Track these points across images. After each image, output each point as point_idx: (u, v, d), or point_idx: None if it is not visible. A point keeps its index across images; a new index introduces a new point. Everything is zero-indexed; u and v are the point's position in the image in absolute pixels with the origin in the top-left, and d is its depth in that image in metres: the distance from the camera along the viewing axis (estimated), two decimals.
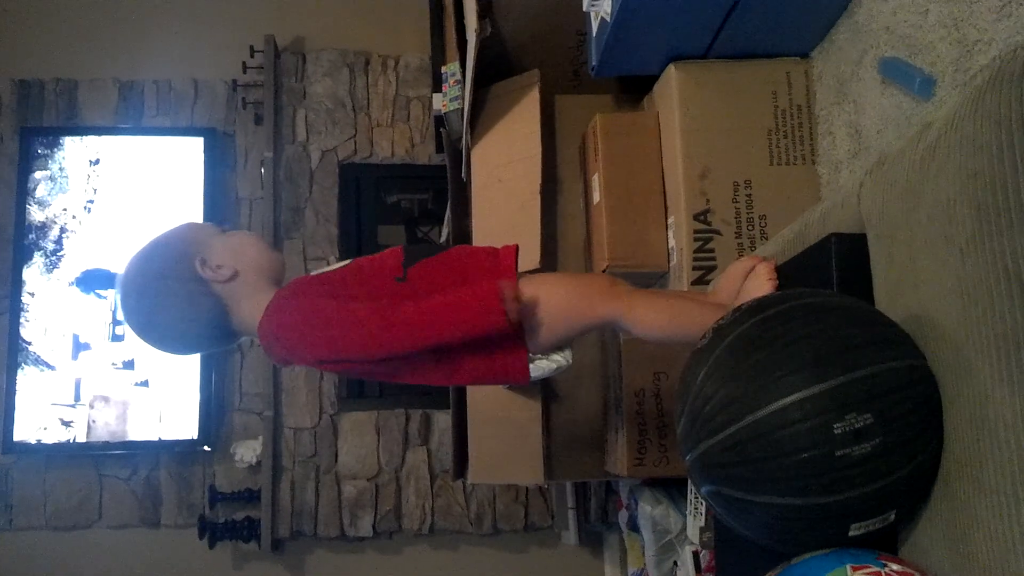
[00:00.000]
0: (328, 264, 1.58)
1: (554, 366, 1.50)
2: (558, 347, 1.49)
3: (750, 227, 2.08)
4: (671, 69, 2.14)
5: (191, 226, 1.50)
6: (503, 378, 1.48)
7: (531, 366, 1.47)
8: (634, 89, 2.40)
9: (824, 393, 0.88)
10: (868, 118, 1.87)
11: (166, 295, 1.42)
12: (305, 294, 1.42)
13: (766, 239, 2.03)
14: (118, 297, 1.47)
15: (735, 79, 2.13)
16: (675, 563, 2.54)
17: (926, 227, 0.96)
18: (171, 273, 1.42)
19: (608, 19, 1.97)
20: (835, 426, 0.87)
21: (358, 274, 1.46)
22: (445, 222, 2.99)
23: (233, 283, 1.43)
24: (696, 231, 2.07)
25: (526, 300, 1.41)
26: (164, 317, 1.44)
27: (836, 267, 1.14)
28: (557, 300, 1.45)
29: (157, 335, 1.46)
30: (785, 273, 1.32)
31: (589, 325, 1.50)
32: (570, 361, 1.51)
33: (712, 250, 2.07)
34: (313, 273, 1.50)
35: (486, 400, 2.49)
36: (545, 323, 1.43)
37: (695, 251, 2.07)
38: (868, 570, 0.87)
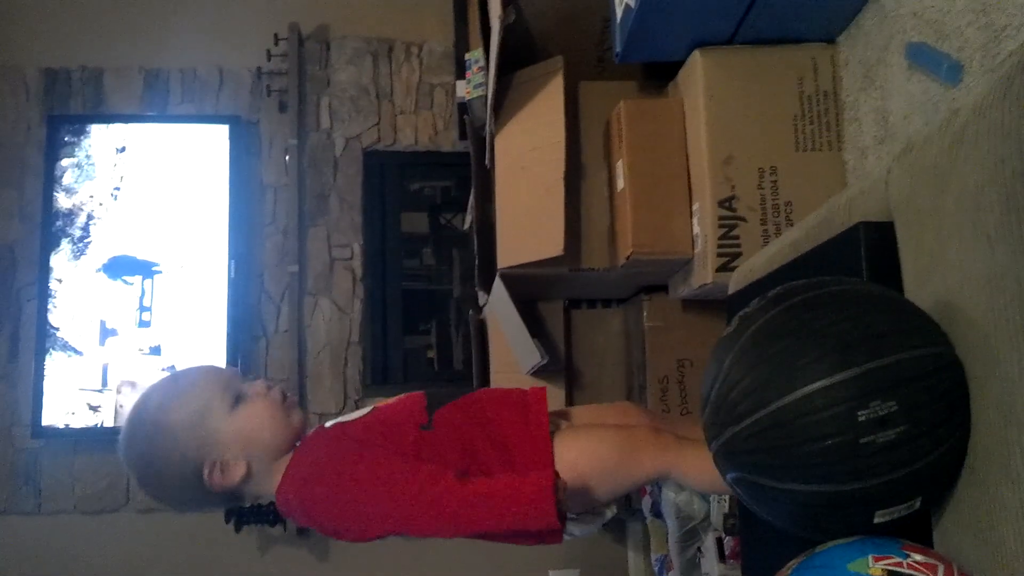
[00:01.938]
0: (345, 414, 1.47)
1: (600, 520, 1.46)
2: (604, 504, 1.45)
3: (775, 214, 2.07)
4: (696, 55, 2.12)
5: (200, 403, 1.34)
6: (536, 543, 1.39)
7: (576, 525, 1.42)
8: (659, 75, 2.38)
9: (849, 380, 0.88)
10: (895, 104, 1.85)
11: (171, 489, 1.37)
12: (326, 468, 1.32)
13: (792, 225, 2.02)
14: (122, 457, 1.37)
15: (760, 65, 2.12)
16: (699, 549, 2.54)
17: (954, 214, 0.95)
18: (173, 474, 1.34)
19: (632, 5, 1.96)
20: (859, 413, 0.87)
21: (381, 423, 1.38)
22: (468, 209, 2.99)
23: (247, 478, 1.36)
24: (721, 218, 2.06)
25: (568, 464, 1.35)
26: (179, 500, 1.41)
27: (865, 256, 1.13)
28: (604, 460, 1.39)
29: (172, 504, 1.44)
30: (812, 261, 1.31)
31: (635, 483, 1.45)
32: (615, 512, 1.47)
33: (737, 237, 2.06)
34: (331, 424, 1.41)
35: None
36: (592, 482, 1.38)
37: (720, 238, 2.06)
38: (890, 560, 0.86)
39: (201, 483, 1.33)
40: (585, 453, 1.39)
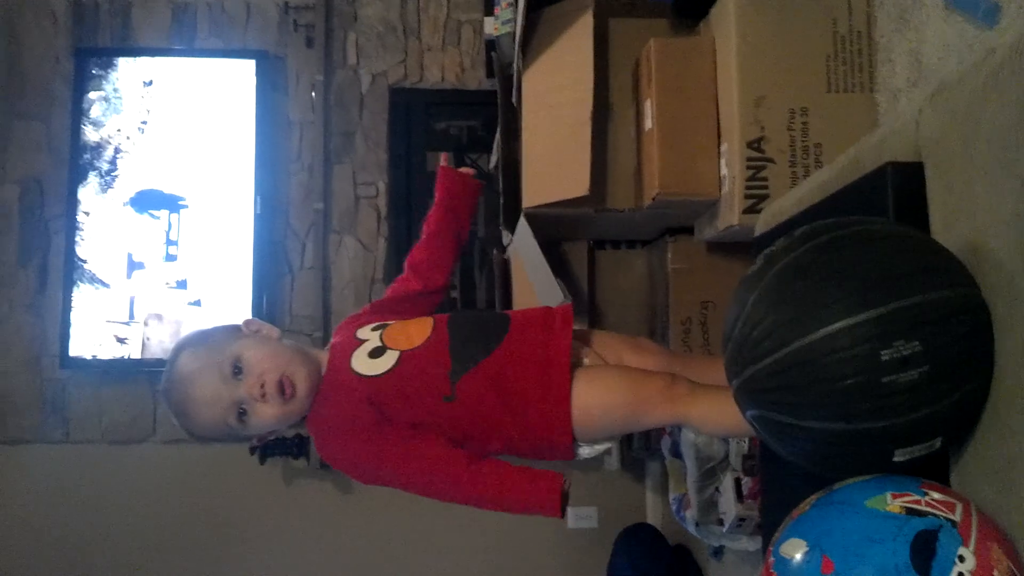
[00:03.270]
0: (370, 334, 1.51)
1: (603, 449, 1.51)
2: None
3: (805, 156, 2.04)
4: None
5: (215, 427, 1.44)
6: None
7: (585, 448, 1.49)
8: (690, 14, 2.35)
9: (872, 320, 0.88)
10: (929, 46, 1.82)
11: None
12: (352, 431, 1.44)
13: (820, 167, 2.00)
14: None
15: (794, 4, 2.08)
16: (716, 489, 2.56)
17: (985, 155, 0.94)
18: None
19: None
20: (882, 353, 0.86)
21: (403, 391, 1.42)
22: (494, 149, 2.98)
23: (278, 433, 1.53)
24: (749, 159, 2.04)
25: (581, 407, 1.42)
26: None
27: (892, 196, 1.12)
28: (614, 404, 1.44)
29: None
30: (839, 202, 1.30)
31: (646, 427, 1.53)
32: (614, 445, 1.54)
33: (765, 179, 2.04)
34: (356, 369, 1.45)
35: None
36: (600, 424, 1.44)
37: (747, 180, 2.04)
38: (909, 498, 0.86)
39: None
40: (599, 398, 1.44)
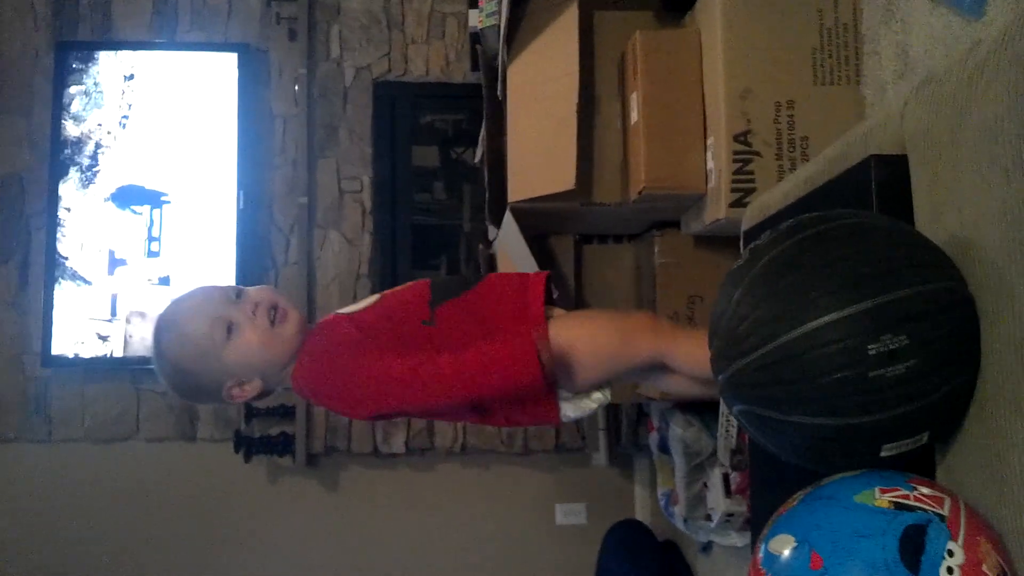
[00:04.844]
0: (356, 303, 1.58)
1: (594, 406, 1.49)
2: (597, 387, 1.48)
3: (791, 149, 2.04)
4: None
5: (198, 346, 1.46)
6: (536, 422, 1.51)
7: (570, 405, 1.47)
8: (676, 6, 2.34)
9: (859, 314, 0.87)
10: (916, 38, 1.81)
11: (211, 399, 1.54)
12: (336, 351, 1.44)
13: (807, 161, 2.00)
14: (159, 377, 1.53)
15: None
16: (704, 485, 2.56)
17: (971, 147, 0.94)
18: (204, 394, 1.52)
19: None
20: (869, 347, 0.86)
21: (387, 318, 1.47)
22: (480, 142, 2.97)
23: (263, 386, 1.50)
24: (736, 152, 2.04)
25: (565, 344, 1.40)
26: (213, 402, 1.66)
27: (876, 190, 1.12)
28: (597, 344, 1.44)
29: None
30: (825, 195, 1.30)
31: (630, 367, 1.49)
32: (609, 398, 1.50)
33: (752, 172, 2.03)
34: (343, 312, 1.52)
35: None
36: (585, 367, 1.42)
37: (734, 173, 2.03)
38: (897, 492, 0.86)
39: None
40: (581, 335, 1.44)
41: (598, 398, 1.50)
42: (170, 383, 1.51)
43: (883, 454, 0.91)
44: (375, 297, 1.54)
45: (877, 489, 0.87)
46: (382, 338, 1.44)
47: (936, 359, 0.88)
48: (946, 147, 0.99)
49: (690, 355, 1.43)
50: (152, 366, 1.52)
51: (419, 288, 1.52)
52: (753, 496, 1.59)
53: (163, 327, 1.49)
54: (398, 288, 1.56)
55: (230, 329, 1.45)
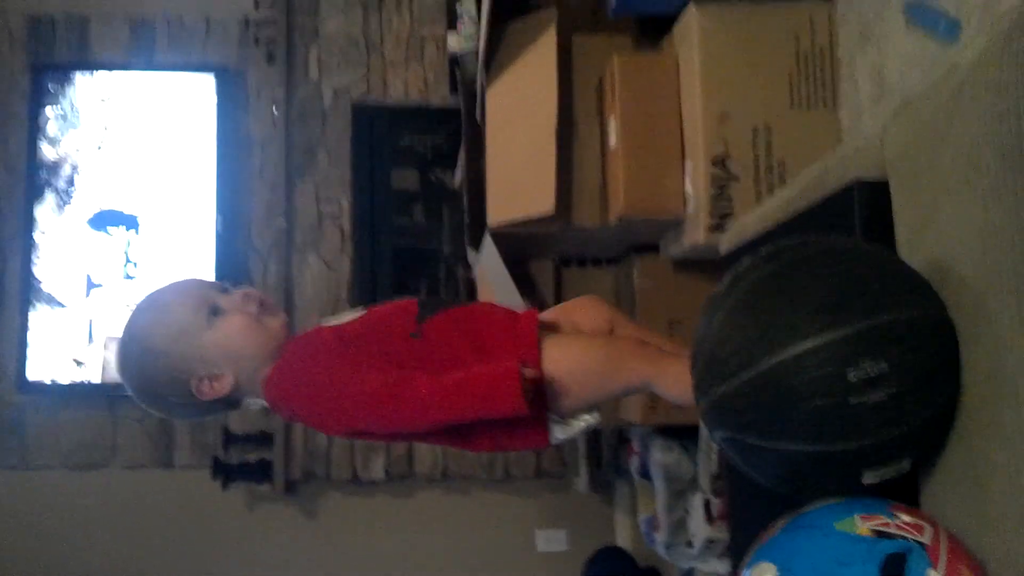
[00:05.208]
0: (341, 314, 1.51)
1: (583, 425, 1.47)
2: (585, 411, 1.45)
3: (769, 173, 2.05)
4: (691, 10, 2.09)
5: (178, 323, 1.39)
6: (525, 446, 1.45)
7: (559, 427, 1.43)
8: (654, 30, 2.35)
9: (839, 340, 0.87)
10: (891, 62, 1.83)
11: (170, 405, 1.43)
12: (313, 360, 1.38)
13: (785, 184, 2.00)
14: (120, 379, 1.43)
15: (757, 21, 2.09)
16: (686, 510, 2.55)
17: (949, 172, 0.94)
18: (168, 391, 1.40)
19: None
20: (850, 373, 0.86)
21: (372, 330, 1.42)
22: (459, 166, 2.96)
23: (234, 386, 1.40)
24: (714, 177, 2.04)
25: (552, 369, 1.37)
26: (178, 413, 1.47)
27: (859, 214, 1.12)
28: (584, 369, 1.40)
29: (169, 415, 1.50)
30: (806, 220, 1.29)
31: (617, 393, 1.47)
32: (599, 420, 1.48)
33: (730, 196, 2.04)
34: (327, 324, 1.46)
35: None
36: (572, 392, 1.39)
37: (712, 197, 2.04)
38: (878, 520, 0.86)
39: (196, 401, 1.39)
40: (570, 361, 1.40)
41: (587, 419, 1.49)
42: (132, 373, 1.41)
43: (864, 481, 0.91)
44: (361, 310, 1.48)
45: (858, 516, 0.87)
46: (364, 350, 1.39)
47: (916, 385, 0.87)
48: (925, 172, 0.99)
49: (677, 383, 1.42)
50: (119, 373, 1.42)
51: (406, 303, 1.47)
52: (733, 523, 1.58)
53: (141, 307, 1.42)
54: (385, 303, 1.50)
55: (215, 312, 1.39)
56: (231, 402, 1.44)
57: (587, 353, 1.43)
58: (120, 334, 1.42)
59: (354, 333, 1.41)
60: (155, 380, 1.39)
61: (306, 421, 1.46)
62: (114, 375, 3.17)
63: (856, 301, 0.89)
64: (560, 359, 1.39)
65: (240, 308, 1.40)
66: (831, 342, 0.87)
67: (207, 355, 1.38)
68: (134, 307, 1.44)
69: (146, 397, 1.42)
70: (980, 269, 0.88)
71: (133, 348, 1.40)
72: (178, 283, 1.46)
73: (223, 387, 1.39)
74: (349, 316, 1.46)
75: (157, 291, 1.45)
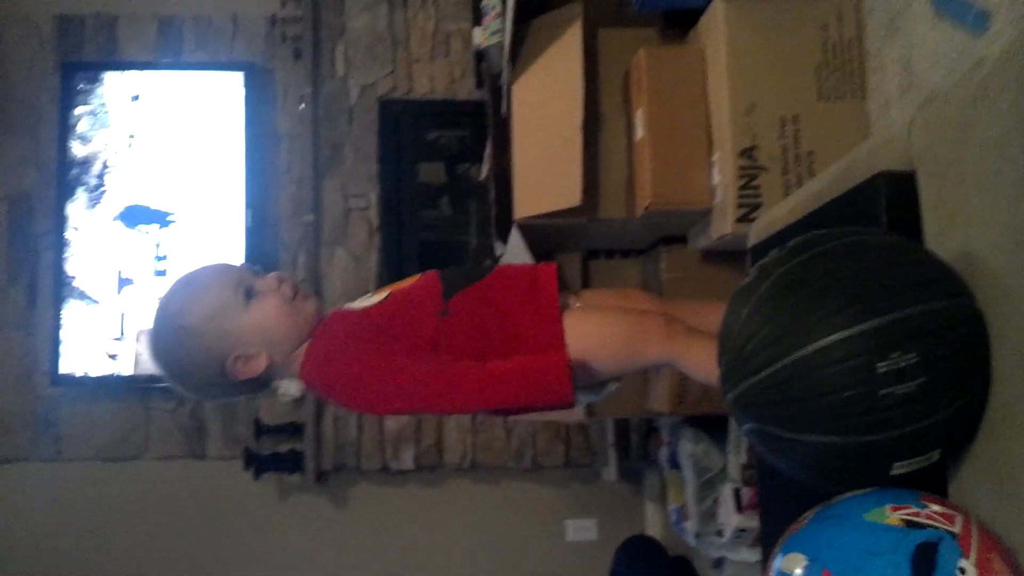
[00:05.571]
0: (366, 296, 1.52)
1: (606, 392, 1.49)
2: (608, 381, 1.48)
3: (797, 163, 2.04)
4: (718, 2, 2.09)
5: (215, 302, 1.41)
6: (549, 406, 1.46)
7: (583, 394, 1.45)
8: (680, 23, 2.34)
9: (868, 332, 0.87)
10: (919, 53, 1.82)
11: (200, 384, 1.45)
12: (349, 350, 1.39)
13: (814, 175, 2.00)
14: (152, 360, 1.46)
15: (783, 12, 2.08)
16: (715, 500, 2.55)
17: (977, 165, 0.94)
18: (200, 371, 1.42)
19: None
20: (879, 365, 0.86)
21: (399, 312, 1.43)
22: (485, 159, 2.97)
23: (267, 367, 1.43)
24: (741, 168, 2.04)
25: (579, 343, 1.39)
26: (212, 395, 1.51)
27: (885, 206, 1.12)
28: (612, 342, 1.43)
29: (206, 399, 1.53)
30: (832, 212, 1.30)
31: (641, 367, 1.50)
32: (620, 385, 1.50)
33: (758, 187, 2.03)
34: (351, 308, 1.47)
35: None
36: (598, 363, 1.41)
37: (740, 188, 2.03)
38: (908, 510, 0.86)
39: (230, 381, 1.43)
40: (594, 334, 1.43)
41: (607, 385, 1.50)
42: (166, 353, 1.43)
43: (894, 472, 0.91)
44: (383, 293, 1.49)
45: (888, 507, 0.87)
46: (395, 335, 1.41)
47: (946, 376, 0.87)
48: (952, 164, 0.99)
49: (701, 364, 1.43)
50: (152, 355, 1.45)
51: (429, 280, 1.48)
52: (763, 514, 1.58)
53: (176, 288, 1.45)
54: (406, 282, 1.51)
55: (251, 293, 1.42)
56: (262, 383, 1.47)
57: (611, 328, 1.45)
58: (153, 318, 1.45)
59: (382, 318, 1.43)
60: (189, 359, 1.41)
61: (348, 406, 1.48)
62: (147, 367, 3.24)
63: (884, 293, 0.89)
64: (585, 335, 1.41)
65: (275, 290, 1.43)
66: (860, 334, 0.87)
67: (243, 335, 1.40)
68: (167, 289, 1.46)
69: (178, 377, 1.45)
70: (1010, 262, 0.88)
71: (168, 327, 1.42)
72: (212, 265, 1.49)
73: (257, 367, 1.42)
74: (372, 300, 1.47)
75: (191, 273, 1.48)
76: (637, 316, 1.49)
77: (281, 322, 1.42)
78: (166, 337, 1.42)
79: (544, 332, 1.42)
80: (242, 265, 1.49)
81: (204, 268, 1.49)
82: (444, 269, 1.52)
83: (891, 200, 1.11)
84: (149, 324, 1.45)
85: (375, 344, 1.39)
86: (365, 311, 1.45)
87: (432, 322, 1.41)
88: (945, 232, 1.01)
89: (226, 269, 1.47)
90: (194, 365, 1.42)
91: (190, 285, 1.46)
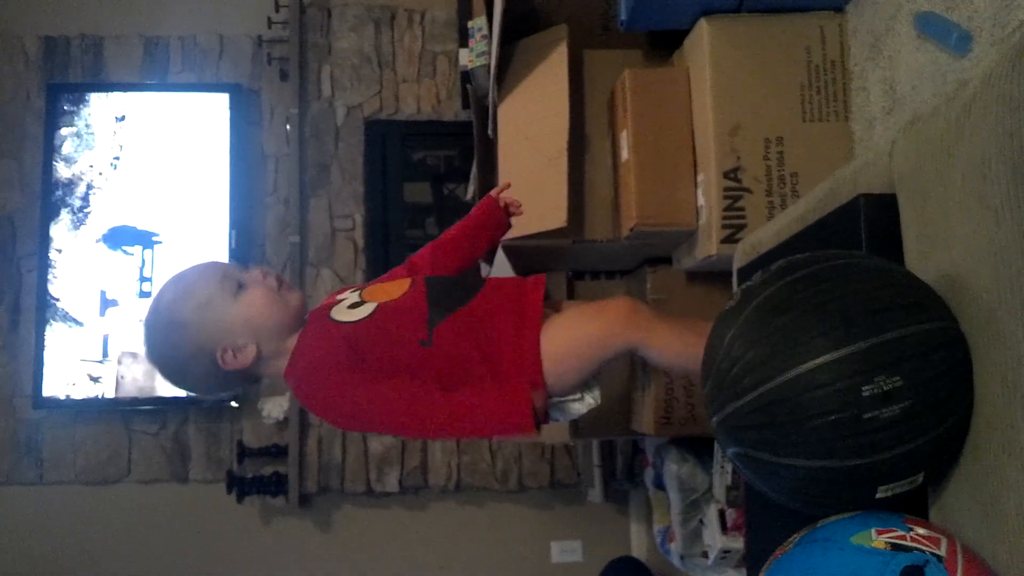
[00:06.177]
0: (357, 305, 1.52)
1: (584, 410, 1.50)
2: (585, 385, 1.49)
3: (781, 185, 2.05)
4: (702, 23, 2.10)
5: (204, 295, 1.45)
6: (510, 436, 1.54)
7: (562, 408, 1.48)
8: (664, 44, 2.35)
9: (853, 355, 0.87)
10: (903, 74, 1.83)
11: (194, 378, 1.49)
12: (329, 369, 1.41)
13: (798, 197, 2.00)
14: (146, 356, 1.50)
15: (767, 34, 2.09)
16: (701, 521, 2.54)
17: (960, 187, 0.94)
18: (192, 364, 1.46)
19: None
20: (863, 388, 0.86)
21: (384, 335, 1.45)
22: (471, 179, 2.97)
23: (258, 358, 1.46)
24: (726, 189, 2.04)
25: (549, 347, 1.43)
26: (201, 387, 1.51)
27: (865, 228, 1.12)
28: (580, 339, 1.45)
29: (194, 391, 1.54)
30: (816, 234, 1.30)
31: (611, 356, 1.49)
32: (599, 400, 1.50)
33: (742, 208, 2.04)
34: (336, 318, 1.48)
35: None
36: (571, 366, 1.44)
37: (724, 209, 2.04)
38: (893, 533, 0.86)
39: (219, 369, 1.45)
40: (565, 329, 1.46)
41: (588, 402, 1.50)
42: (159, 347, 1.46)
43: (879, 496, 0.90)
44: (370, 306, 1.49)
45: (874, 530, 0.86)
46: (376, 359, 1.42)
47: (930, 399, 0.87)
48: (934, 186, 0.99)
49: (667, 347, 1.45)
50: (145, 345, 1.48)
51: (417, 298, 1.49)
52: (748, 534, 1.58)
53: (167, 286, 1.49)
54: (394, 287, 1.53)
55: (240, 286, 1.46)
56: (251, 377, 1.50)
57: (579, 321, 1.48)
58: (146, 316, 1.48)
59: (366, 341, 1.43)
60: (181, 352, 1.45)
61: (326, 420, 1.52)
62: (130, 389, 3.22)
63: (868, 316, 0.89)
64: (553, 339, 1.44)
65: (261, 282, 1.48)
66: (844, 357, 0.87)
67: (233, 326, 1.44)
68: (159, 288, 1.50)
69: (172, 371, 1.48)
70: (992, 284, 0.88)
71: (160, 322, 1.46)
72: (200, 264, 1.53)
73: (246, 358, 1.44)
74: (357, 315, 1.47)
75: (181, 272, 1.51)
76: (603, 305, 1.52)
77: (268, 312, 1.46)
78: (159, 332, 1.46)
79: (522, 357, 1.44)
80: (228, 262, 1.52)
81: (192, 267, 1.52)
82: (433, 282, 1.54)
83: (871, 222, 1.11)
84: (143, 324, 1.48)
85: (351, 370, 1.41)
86: (347, 329, 1.45)
87: (412, 349, 1.43)
88: (926, 254, 1.01)
89: (214, 264, 1.52)
90: (187, 357, 1.45)
91: (180, 282, 1.49)
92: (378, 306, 1.49)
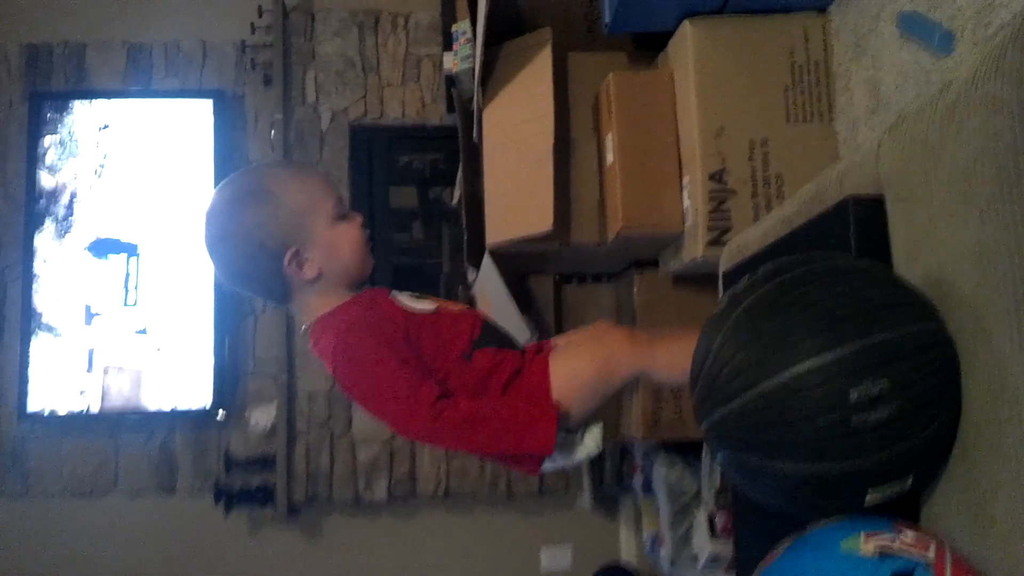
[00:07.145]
0: (420, 298, 1.52)
1: (584, 455, 1.48)
2: (592, 418, 1.48)
3: (766, 186, 2.05)
4: (686, 25, 2.10)
5: (312, 200, 1.43)
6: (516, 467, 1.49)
7: (560, 454, 1.45)
8: (649, 46, 2.35)
9: (840, 359, 0.87)
10: (886, 74, 1.83)
11: (244, 258, 1.41)
12: (374, 334, 1.38)
13: (783, 198, 2.00)
14: (206, 214, 1.45)
15: (751, 35, 2.09)
16: (690, 526, 2.54)
17: (945, 188, 0.93)
18: (250, 251, 1.40)
19: None
20: (851, 391, 0.85)
21: (435, 336, 1.43)
22: (457, 183, 2.97)
23: (312, 282, 1.42)
24: (711, 191, 2.04)
25: (559, 384, 1.42)
26: (234, 268, 1.44)
27: (854, 231, 1.11)
28: (584, 376, 1.44)
29: (223, 269, 1.46)
30: (802, 237, 1.29)
31: (618, 387, 1.49)
32: (600, 448, 1.50)
33: (728, 210, 2.03)
34: (400, 300, 1.47)
35: None
36: (579, 402, 1.43)
37: (710, 212, 2.04)
38: (882, 538, 0.86)
39: (274, 264, 1.40)
40: (569, 371, 1.44)
41: (589, 447, 1.49)
42: (233, 205, 1.42)
43: (868, 499, 0.90)
44: (432, 305, 1.49)
45: (862, 535, 0.86)
46: (421, 351, 1.41)
47: (918, 401, 0.87)
48: (920, 188, 0.99)
49: (670, 366, 1.44)
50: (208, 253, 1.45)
51: (473, 320, 1.49)
52: (737, 538, 1.57)
53: (289, 165, 1.49)
54: (452, 305, 1.53)
55: (343, 215, 1.44)
56: (288, 295, 1.45)
57: (582, 359, 1.47)
58: (236, 175, 1.46)
59: (420, 328, 1.43)
60: (252, 231, 1.39)
61: (342, 386, 1.44)
62: (115, 402, 3.18)
63: (856, 319, 0.89)
64: (558, 369, 1.44)
65: (359, 228, 1.46)
66: (832, 361, 0.87)
67: (317, 240, 1.41)
68: (267, 164, 1.47)
69: (226, 247, 1.42)
70: (978, 285, 0.88)
71: (258, 185, 1.43)
72: (323, 174, 1.53)
73: (308, 273, 1.40)
74: (420, 306, 1.48)
75: (303, 166, 1.49)
76: (599, 340, 1.51)
77: (350, 254, 1.44)
78: (247, 192, 1.43)
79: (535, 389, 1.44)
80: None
81: (314, 171, 1.54)
82: (489, 325, 1.52)
83: (860, 225, 1.11)
84: (227, 182, 1.46)
85: (398, 350, 1.37)
86: (409, 313, 1.44)
87: (453, 357, 1.42)
88: (914, 256, 1.01)
89: (331, 184, 1.50)
90: (251, 240, 1.39)
91: (303, 171, 1.48)
92: (439, 307, 1.49)
